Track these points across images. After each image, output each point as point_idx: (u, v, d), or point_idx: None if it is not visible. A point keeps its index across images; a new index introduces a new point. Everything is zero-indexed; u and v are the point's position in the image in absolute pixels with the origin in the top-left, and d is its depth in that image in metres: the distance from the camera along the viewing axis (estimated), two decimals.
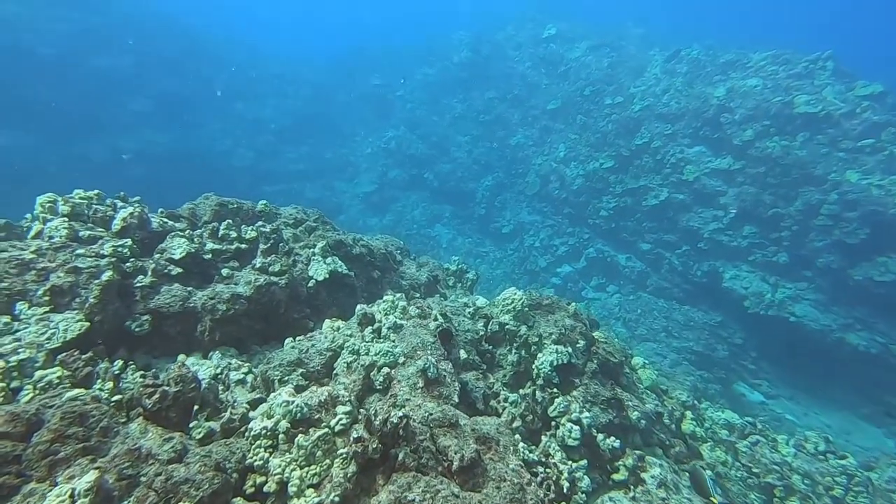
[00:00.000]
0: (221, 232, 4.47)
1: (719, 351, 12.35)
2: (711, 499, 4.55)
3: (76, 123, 23.80)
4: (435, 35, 34.19)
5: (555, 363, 4.78)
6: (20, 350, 2.90)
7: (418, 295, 6.41)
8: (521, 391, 4.65)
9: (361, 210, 28.01)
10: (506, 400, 4.61)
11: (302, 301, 4.72)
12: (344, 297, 5.26)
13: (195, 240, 4.15)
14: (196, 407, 2.78)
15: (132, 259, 3.68)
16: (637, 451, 4.56)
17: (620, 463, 4.36)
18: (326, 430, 2.58)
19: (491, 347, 5.21)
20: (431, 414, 2.94)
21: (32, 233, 3.70)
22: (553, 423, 4.43)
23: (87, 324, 3.23)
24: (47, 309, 3.24)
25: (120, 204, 4.16)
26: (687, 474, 4.87)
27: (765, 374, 12.35)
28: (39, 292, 3.24)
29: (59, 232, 3.55)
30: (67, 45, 24.85)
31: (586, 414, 4.40)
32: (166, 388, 2.46)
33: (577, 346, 5.11)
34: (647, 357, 12.72)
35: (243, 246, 4.56)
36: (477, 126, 27.04)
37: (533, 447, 4.20)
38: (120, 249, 3.65)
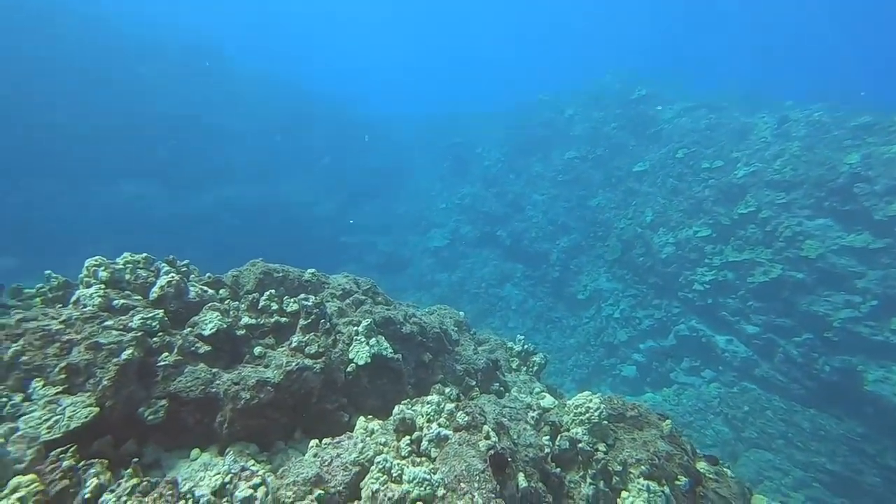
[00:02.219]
0: (262, 303, 4.10)
1: (867, 475, 9.59)
2: None
3: (188, 175, 27.21)
4: (523, 102, 35.02)
5: None
6: (8, 444, 2.55)
7: (474, 383, 5.57)
8: None
9: (431, 265, 28.02)
10: None
11: (338, 389, 4.13)
12: (387, 384, 4.59)
13: (231, 313, 3.80)
14: None
15: (160, 333, 3.36)
16: None
17: None
18: None
19: (559, 470, 4.15)
20: None
21: (73, 298, 3.56)
22: None
23: (96, 410, 2.87)
24: (60, 389, 2.95)
25: (165, 269, 3.97)
26: None
27: None
28: (56, 370, 2.99)
29: (93, 300, 3.35)
30: (188, 106, 29.12)
31: None
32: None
33: (677, 483, 3.88)
34: (763, 471, 10.30)
35: (283, 320, 4.14)
36: (555, 186, 26.38)
37: None
38: (149, 322, 3.35)
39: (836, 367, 10.94)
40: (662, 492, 3.69)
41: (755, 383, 12.61)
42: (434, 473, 3.19)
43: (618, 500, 3.72)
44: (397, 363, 4.73)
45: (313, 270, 4.81)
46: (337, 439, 3.38)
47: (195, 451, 3.14)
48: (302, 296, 4.25)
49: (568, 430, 4.42)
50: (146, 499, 2.28)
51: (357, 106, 41.83)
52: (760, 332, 12.95)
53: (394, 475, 3.10)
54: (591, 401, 4.47)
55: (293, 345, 3.90)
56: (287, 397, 3.62)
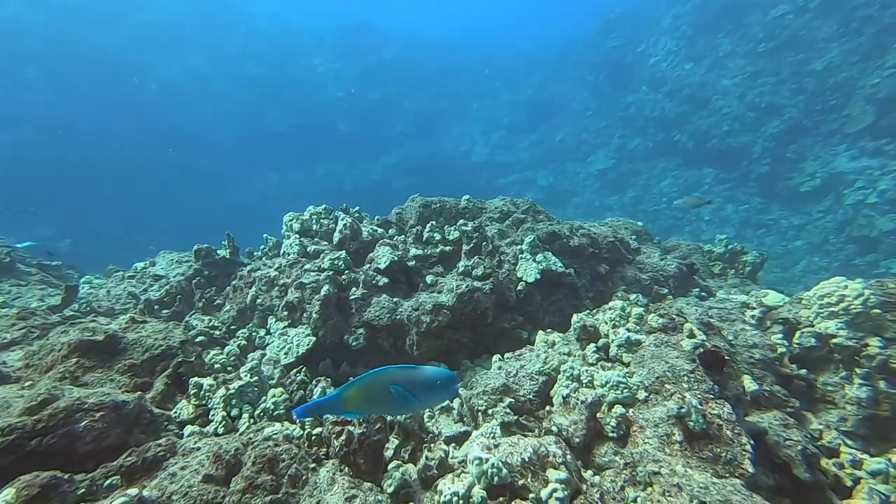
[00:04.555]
0: (426, 235, 4.26)
1: None
2: None
3: (362, 148, 30.84)
4: None
5: None
6: (262, 366, 3.25)
7: (665, 291, 4.83)
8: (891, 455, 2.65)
9: (597, 190, 25.85)
10: (857, 465, 2.71)
11: (512, 307, 4.05)
12: (563, 299, 4.32)
13: (399, 247, 4.06)
14: (395, 444, 2.42)
15: (346, 271, 3.82)
16: None
17: None
18: None
19: (804, 371, 3.27)
20: None
21: (282, 250, 4.33)
22: None
23: (314, 338, 3.44)
24: (286, 324, 3.63)
25: (341, 216, 4.45)
26: None
27: None
28: (279, 308, 3.66)
29: (292, 248, 4.02)
30: (353, 85, 32.62)
31: None
32: (351, 430, 2.17)
33: None
34: None
35: (448, 248, 4.23)
36: (754, 60, 20.70)
37: None
38: (336, 262, 3.83)
39: None
40: None
41: None
42: (630, 377, 2.83)
43: None
44: (570, 277, 4.40)
45: (468, 197, 4.78)
46: (518, 352, 3.31)
47: None
48: (461, 222, 4.26)
49: (811, 325, 3.42)
50: None
51: (494, 43, 40.24)
52: None
53: (584, 381, 2.86)
54: (845, 287, 3.35)
55: (460, 270, 3.94)
56: (463, 318, 3.70)
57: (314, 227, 4.29)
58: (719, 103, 21.20)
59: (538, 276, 4.08)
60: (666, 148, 23.46)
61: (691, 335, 2.93)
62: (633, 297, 3.94)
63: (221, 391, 2.79)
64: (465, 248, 4.09)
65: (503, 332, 3.94)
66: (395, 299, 3.67)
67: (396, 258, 3.86)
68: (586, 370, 2.91)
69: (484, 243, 4.10)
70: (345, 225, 4.15)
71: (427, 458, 2.19)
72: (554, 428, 2.54)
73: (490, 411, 2.72)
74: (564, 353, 3.25)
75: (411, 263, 3.98)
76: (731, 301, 4.07)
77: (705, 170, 21.36)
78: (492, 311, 3.88)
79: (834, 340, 3.19)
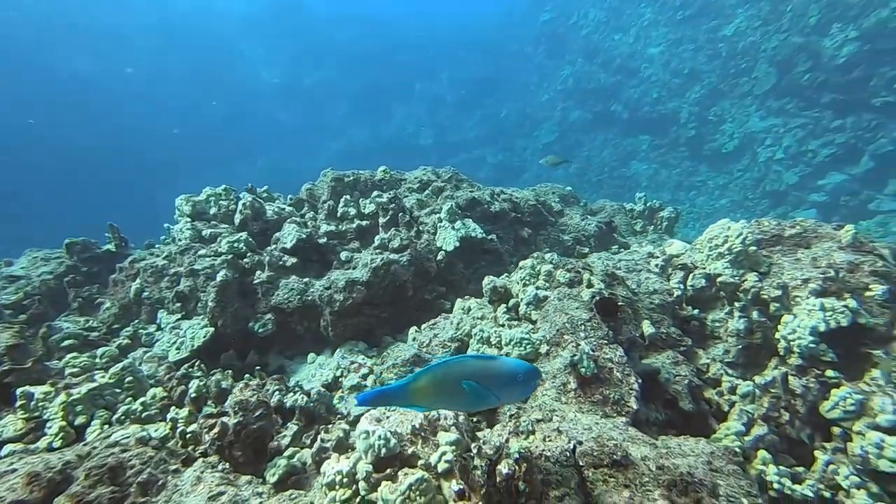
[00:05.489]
0: (340, 210, 4.17)
1: None
2: None
3: (306, 136, 29.66)
4: None
5: (821, 328, 2.84)
6: (144, 364, 3.07)
7: (587, 250, 5.04)
8: (759, 377, 2.93)
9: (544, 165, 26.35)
10: (733, 391, 2.99)
11: (433, 278, 4.09)
12: (487, 266, 4.40)
13: (309, 224, 3.94)
14: (294, 430, 2.36)
15: (249, 253, 3.66)
16: None
17: None
18: (423, 472, 1.79)
19: (697, 312, 3.54)
20: (569, 448, 1.83)
21: (172, 236, 4.03)
22: (836, 432, 2.60)
23: (212, 329, 3.28)
24: (179, 317, 3.44)
25: (244, 196, 4.23)
26: None
27: None
28: (170, 299, 3.47)
29: (183, 234, 3.76)
30: (288, 70, 31.09)
31: None
32: (225, 421, 2.06)
33: (868, 294, 2.95)
34: None
35: (364, 223, 4.17)
36: (674, 27, 21.60)
37: (802, 470, 2.53)
38: (236, 245, 3.65)
39: None
40: (845, 306, 2.84)
41: None
42: (535, 333, 2.95)
43: (778, 326, 3.00)
44: (492, 243, 4.49)
45: (384, 168, 4.69)
46: (433, 322, 3.35)
47: (311, 356, 3.44)
48: (375, 193, 4.19)
49: (704, 268, 3.69)
50: (260, 390, 2.49)
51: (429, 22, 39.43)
52: None
53: (493, 342, 2.95)
54: (728, 228, 3.62)
55: (376, 243, 3.91)
56: (380, 293, 3.68)
57: (212, 209, 4.01)
58: (648, 71, 22.06)
59: (457, 244, 4.12)
60: (604, 118, 24.18)
61: (590, 285, 3.08)
62: (547, 256, 4.09)
63: (61, 398, 2.48)
64: (381, 220, 4.06)
65: (425, 303, 3.97)
66: (305, 280, 3.58)
67: (305, 236, 3.75)
68: (496, 331, 3.00)
69: (401, 214, 4.08)
70: (244, 205, 3.96)
71: (322, 440, 2.15)
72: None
73: None
74: (478, 318, 3.33)
75: (323, 241, 3.89)
76: (639, 253, 4.31)
77: (641, 137, 22.27)
78: (412, 283, 3.89)
79: (720, 279, 3.47)
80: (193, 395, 2.49)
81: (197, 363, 3.00)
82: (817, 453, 2.51)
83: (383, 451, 1.79)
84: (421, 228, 4.19)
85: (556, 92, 27.50)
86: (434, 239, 4.21)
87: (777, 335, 3.03)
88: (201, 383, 2.55)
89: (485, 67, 33.71)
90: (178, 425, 2.28)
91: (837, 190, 13.36)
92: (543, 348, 2.79)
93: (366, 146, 30.33)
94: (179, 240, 3.85)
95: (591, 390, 2.48)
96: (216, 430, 2.06)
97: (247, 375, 2.67)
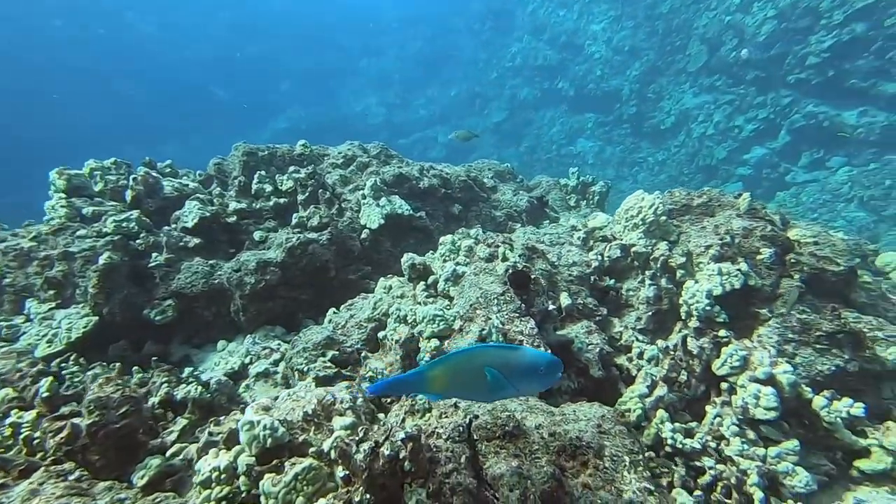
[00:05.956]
0: (255, 187, 3.93)
1: None
2: None
3: (245, 113, 27.91)
4: None
5: (717, 292, 3.02)
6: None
7: (519, 225, 5.08)
8: (661, 342, 3.08)
9: (495, 143, 26.37)
10: (641, 356, 3.12)
11: (357, 257, 3.98)
12: (416, 244, 4.34)
13: (215, 201, 3.68)
14: (183, 425, 2.20)
15: (143, 234, 3.35)
16: None
17: (873, 440, 2.50)
18: (312, 461, 1.70)
19: (613, 282, 3.66)
20: (464, 424, 1.82)
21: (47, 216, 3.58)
22: (724, 387, 2.79)
23: (95, 318, 2.99)
24: (53, 305, 3.11)
25: (140, 170, 3.84)
26: None
27: None
28: (40, 287, 3.13)
29: (57, 212, 3.35)
30: (222, 42, 28.89)
31: (785, 366, 2.61)
32: (77, 422, 1.86)
33: (759, 257, 3.16)
34: None
35: (282, 200, 3.96)
36: (614, 4, 21.95)
37: (695, 425, 2.70)
38: (125, 225, 3.32)
39: None
40: (738, 270, 3.02)
41: None
42: (450, 309, 2.93)
43: (682, 292, 3.16)
44: (421, 220, 4.42)
45: (304, 142, 4.44)
46: (350, 302, 3.26)
47: (222, 342, 3.25)
48: (292, 168, 3.98)
49: (620, 239, 3.81)
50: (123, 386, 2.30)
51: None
52: None
53: (409, 321, 2.90)
54: (642, 199, 3.74)
55: (294, 222, 3.73)
56: (299, 274, 3.54)
57: (98, 184, 3.58)
58: (591, 49, 22.41)
59: (382, 222, 4.02)
60: (552, 96, 24.41)
61: (504, 258, 3.09)
62: (473, 231, 4.08)
63: None
64: (300, 197, 3.87)
65: (350, 283, 3.87)
66: (211, 262, 3.37)
67: (209, 214, 3.50)
68: (412, 309, 2.95)
69: (321, 191, 3.91)
70: (135, 180, 3.60)
71: (211, 433, 2.02)
72: (369, 374, 2.56)
73: (309, 368, 2.65)
74: (398, 296, 3.27)
75: (232, 220, 3.66)
76: (564, 226, 4.39)
77: (587, 115, 22.71)
78: (334, 263, 3.77)
79: (633, 249, 3.60)
80: (45, 394, 2.21)
81: (73, 357, 2.70)
82: (708, 408, 2.68)
83: (269, 441, 1.71)
84: (344, 206, 4.04)
85: (504, 69, 27.42)
86: (358, 217, 4.08)
87: (680, 300, 3.19)
88: (56, 381, 2.27)
89: (432, 44, 32.97)
90: (23, 430, 2.02)
91: (760, 163, 14.29)
92: (457, 324, 2.78)
93: (311, 125, 29.06)
94: (52, 219, 3.43)
95: None
96: (64, 433, 1.85)
97: (114, 366, 2.45)
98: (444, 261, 3.39)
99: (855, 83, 11.24)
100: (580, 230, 4.13)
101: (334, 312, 3.25)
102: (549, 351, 2.65)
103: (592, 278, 3.69)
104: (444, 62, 32.07)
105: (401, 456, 1.55)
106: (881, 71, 10.65)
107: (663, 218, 3.58)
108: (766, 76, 14.07)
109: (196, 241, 3.40)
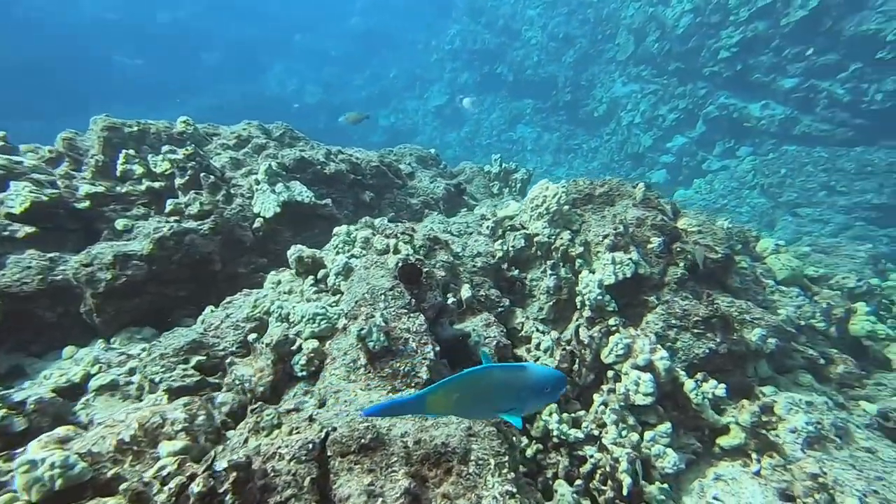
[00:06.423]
0: (121, 168, 3.44)
1: None
2: None
3: (161, 88, 25.35)
4: None
5: (607, 281, 3.05)
6: None
7: (436, 213, 4.94)
8: (554, 332, 3.08)
9: (437, 127, 26.06)
10: (538, 347, 3.11)
11: (249, 248, 3.64)
12: (321, 234, 4.05)
13: (59, 183, 3.17)
14: None
15: None
16: (765, 390, 2.78)
17: (731, 418, 2.65)
18: (119, 500, 1.43)
19: (518, 272, 3.63)
20: (315, 440, 1.64)
21: None
22: (611, 374, 2.83)
23: None
24: None
25: None
26: (865, 409, 2.95)
27: None
28: None
29: None
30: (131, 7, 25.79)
31: (661, 353, 2.69)
32: None
33: (650, 246, 3.23)
34: (802, 227, 9.56)
35: (158, 184, 3.51)
36: None
37: (583, 414, 2.72)
38: None
39: (889, 90, 9.16)
40: (630, 259, 3.07)
41: (794, 143, 11.14)
42: (335, 305, 2.73)
43: (579, 279, 3.17)
44: (327, 208, 4.14)
45: (186, 118, 3.95)
46: (229, 299, 2.95)
47: (68, 349, 2.83)
48: (166, 148, 3.53)
49: (526, 228, 3.77)
50: None
51: None
52: (800, 83, 10.99)
53: (292, 320, 2.67)
54: (546, 188, 3.71)
55: (168, 209, 3.32)
56: (173, 268, 3.16)
57: None
58: (528, 34, 22.56)
59: (278, 210, 3.70)
60: (492, 81, 24.36)
61: (396, 251, 2.92)
62: (377, 221, 3.87)
63: None
64: (178, 181, 3.45)
65: (240, 277, 3.54)
66: (51, 255, 2.90)
67: (47, 199, 3.00)
68: (294, 307, 2.71)
69: (203, 175, 3.51)
70: None
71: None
72: (236, 382, 2.31)
73: (161, 378, 2.34)
74: (286, 292, 3.02)
75: (83, 205, 3.18)
76: (474, 215, 4.30)
77: (525, 101, 22.93)
78: (220, 255, 3.42)
79: (536, 239, 3.57)
80: None
81: None
82: (595, 396, 2.71)
83: (59, 482, 1.42)
84: (234, 192, 3.67)
85: (444, 52, 26.98)
86: (251, 204, 3.73)
87: (577, 290, 3.20)
88: None
89: (369, 20, 31.70)
90: None
91: (681, 152, 15.16)
92: (341, 322, 2.59)
93: (241, 103, 27.05)
94: None
95: (381, 364, 2.35)
96: None
97: None
98: (337, 253, 3.17)
99: (758, 77, 12.13)
100: (489, 219, 4.05)
101: (212, 310, 2.93)
102: (437, 348, 2.54)
103: (502, 268, 3.63)
104: (382, 41, 31.02)
105: (220, 491, 1.35)
106: (779, 67, 11.56)
107: (566, 207, 3.58)
108: (685, 68, 14.83)
109: (28, 229, 2.90)
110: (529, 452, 2.57)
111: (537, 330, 3.28)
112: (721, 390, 2.49)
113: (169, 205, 3.31)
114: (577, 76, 20.49)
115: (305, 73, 30.21)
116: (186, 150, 3.43)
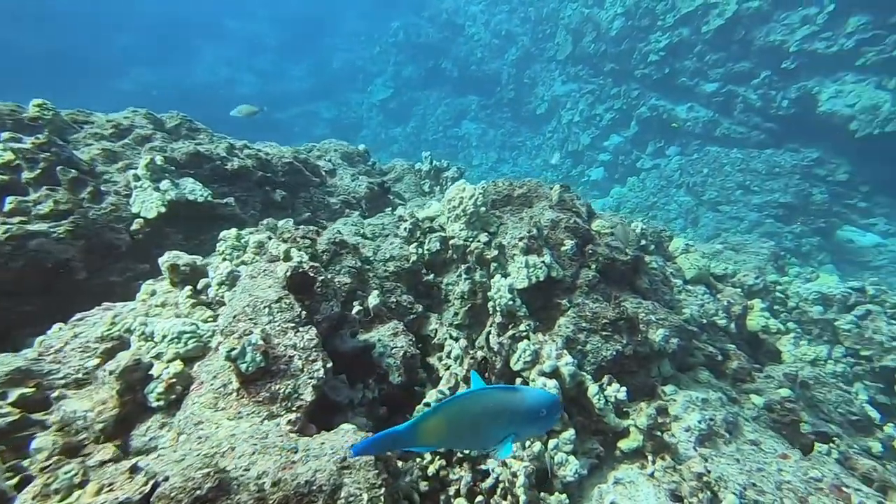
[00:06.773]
0: None
1: (816, 195, 9.54)
2: None
3: (68, 69, 22.80)
4: None
5: (520, 285, 2.93)
6: None
7: (357, 214, 4.65)
8: (463, 340, 2.92)
9: (381, 122, 25.43)
10: (449, 355, 2.93)
11: (126, 254, 3.19)
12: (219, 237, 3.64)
13: None
14: None
15: None
16: (666, 389, 2.78)
17: (631, 421, 2.61)
18: None
19: (433, 277, 3.43)
20: (129, 499, 1.33)
21: None
22: (519, 382, 2.71)
23: None
24: None
25: None
26: (754, 402, 3.05)
27: (881, 210, 9.47)
28: None
29: None
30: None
31: (567, 359, 2.60)
32: None
33: (563, 249, 3.15)
34: (721, 224, 10.19)
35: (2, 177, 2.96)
36: None
37: None
38: None
39: (792, 98, 9.97)
40: (542, 262, 2.96)
41: (716, 144, 11.87)
42: (212, 321, 2.39)
43: (491, 283, 3.03)
44: (228, 208, 3.75)
45: (41, 101, 3.34)
46: (81, 315, 2.52)
47: None
48: (6, 135, 2.99)
49: (443, 230, 3.59)
50: None
51: None
52: (719, 88, 11.70)
53: (157, 339, 2.30)
54: (463, 190, 3.54)
55: (8, 207, 2.80)
56: (13, 278, 2.68)
57: None
58: (471, 30, 22.53)
59: (162, 210, 3.28)
60: (436, 75, 24.10)
61: (287, 258, 2.63)
62: (281, 223, 3.54)
63: None
64: (26, 175, 2.94)
65: (110, 288, 3.08)
66: None
67: None
68: (157, 324, 2.35)
69: (62, 168, 3.02)
70: None
71: None
72: (67, 418, 1.93)
73: None
74: (157, 305, 2.63)
75: None
76: (392, 216, 4.06)
77: (470, 97, 22.90)
78: (83, 263, 2.95)
79: (452, 242, 3.40)
80: None
81: None
82: None
83: None
84: (103, 189, 3.19)
85: (387, 45, 26.37)
86: (128, 203, 3.27)
87: (489, 294, 3.06)
88: None
89: (309, 6, 30.30)
90: None
91: (617, 150, 15.72)
92: (215, 341, 2.27)
93: (164, 91, 24.94)
94: None
95: (256, 388, 2.07)
96: None
97: None
98: (224, 259, 2.82)
99: (684, 81, 12.78)
100: (407, 220, 3.83)
101: (58, 330, 2.49)
102: (328, 365, 2.28)
103: (414, 272, 3.42)
104: (322, 30, 29.81)
105: None
106: (701, 72, 12.24)
107: (483, 209, 3.43)
108: (619, 69, 15.37)
109: None
110: (432, 470, 2.39)
111: (450, 336, 3.11)
112: (622, 394, 2.45)
113: (8, 203, 2.79)
114: (519, 74, 20.71)
115: (239, 60, 28.42)
116: (37, 138, 2.91)
